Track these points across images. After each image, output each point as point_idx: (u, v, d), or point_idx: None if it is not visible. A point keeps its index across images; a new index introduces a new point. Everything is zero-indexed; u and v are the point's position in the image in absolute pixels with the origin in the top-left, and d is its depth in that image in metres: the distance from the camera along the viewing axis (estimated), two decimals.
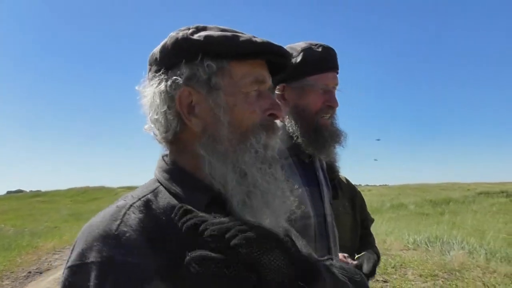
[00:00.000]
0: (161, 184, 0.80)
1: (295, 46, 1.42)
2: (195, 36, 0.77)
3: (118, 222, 0.68)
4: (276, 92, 1.42)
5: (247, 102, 0.79)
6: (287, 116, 1.41)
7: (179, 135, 0.80)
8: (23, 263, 8.81)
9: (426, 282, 5.98)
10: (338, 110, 1.47)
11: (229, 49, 0.77)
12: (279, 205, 0.80)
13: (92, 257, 0.65)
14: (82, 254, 0.66)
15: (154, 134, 0.83)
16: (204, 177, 0.79)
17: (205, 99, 0.78)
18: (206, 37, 0.77)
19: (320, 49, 1.40)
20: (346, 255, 1.79)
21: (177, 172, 0.80)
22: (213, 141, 0.77)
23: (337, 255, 1.46)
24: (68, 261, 0.68)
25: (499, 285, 5.70)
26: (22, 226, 17.75)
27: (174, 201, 0.75)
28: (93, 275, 0.63)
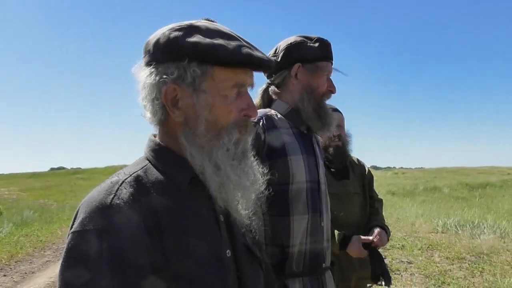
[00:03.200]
0: (150, 162, 0.90)
1: (310, 35, 1.63)
2: (185, 40, 0.85)
3: (112, 196, 0.78)
4: (292, 70, 1.59)
5: (225, 103, 0.88)
6: (297, 93, 1.60)
7: (164, 121, 0.90)
8: (63, 235, 9.34)
9: (452, 264, 5.95)
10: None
11: (213, 58, 0.85)
12: (248, 193, 0.92)
13: (91, 225, 0.75)
14: (83, 223, 0.75)
15: (146, 117, 0.92)
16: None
17: (189, 97, 0.87)
18: (194, 44, 0.84)
19: (327, 42, 1.63)
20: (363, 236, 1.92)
21: (163, 151, 0.91)
22: (192, 134, 0.87)
23: (328, 220, 1.61)
24: (71, 228, 0.78)
25: None
26: (63, 201, 18.71)
27: (161, 177, 0.87)
28: (92, 239, 0.73)
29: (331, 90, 1.61)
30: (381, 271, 1.82)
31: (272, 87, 1.65)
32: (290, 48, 1.59)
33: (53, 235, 9.32)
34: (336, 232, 2.08)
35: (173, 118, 0.88)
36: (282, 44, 1.61)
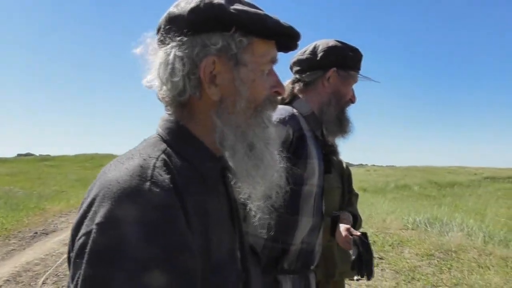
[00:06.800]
0: (167, 145, 0.79)
1: (347, 43, 1.67)
2: (231, 8, 0.78)
3: (148, 182, 0.67)
4: (327, 73, 1.61)
5: (262, 79, 0.83)
6: (326, 96, 1.62)
7: (193, 100, 0.81)
8: (30, 224, 9.06)
9: (422, 261, 6.07)
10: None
11: (260, 28, 0.79)
12: (275, 178, 0.86)
13: (128, 216, 0.62)
14: (114, 213, 0.63)
15: (161, 94, 0.83)
16: (211, 144, 0.82)
17: (229, 71, 0.80)
18: (242, 11, 0.78)
19: (362, 53, 1.68)
20: (348, 226, 1.87)
21: (184, 134, 0.81)
22: (229, 112, 0.80)
23: (322, 224, 1.65)
24: (93, 217, 0.64)
25: (493, 266, 5.77)
26: (30, 189, 18.12)
27: (184, 165, 0.77)
28: (130, 236, 0.61)
29: (352, 99, 1.68)
30: (361, 263, 1.74)
31: (300, 84, 1.65)
32: (330, 51, 1.61)
33: (19, 223, 9.00)
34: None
35: (207, 95, 0.80)
36: (322, 44, 1.63)
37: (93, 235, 0.62)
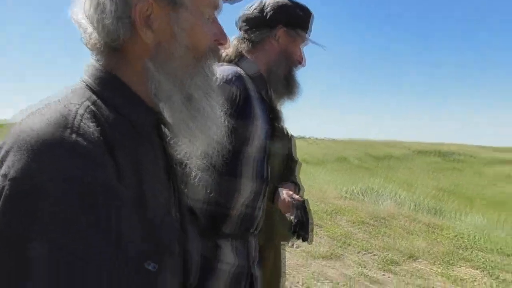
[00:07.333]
0: (94, 93, 0.70)
1: (296, 1, 1.60)
2: None
3: (69, 131, 0.58)
4: (276, 31, 1.57)
5: (204, 25, 0.77)
6: (274, 55, 1.58)
7: (126, 46, 0.73)
8: None
9: (356, 228, 6.40)
10: None
11: None
12: (214, 133, 0.80)
13: (48, 171, 0.54)
14: (31, 167, 0.55)
15: (89, 37, 0.72)
16: (145, 94, 0.74)
17: (166, 15, 0.72)
18: None
19: (311, 12, 1.62)
20: (291, 192, 1.87)
21: (114, 82, 0.73)
22: (165, 59, 0.73)
23: (266, 189, 1.62)
24: (5, 172, 0.55)
25: (420, 233, 6.23)
26: None
27: (114, 115, 0.68)
28: (52, 193, 0.54)
29: (300, 61, 1.63)
30: (301, 226, 1.78)
31: (248, 44, 1.59)
32: (279, 9, 1.55)
33: None
34: None
35: (142, 41, 0.71)
36: (270, 2, 1.57)
37: (5, 192, 0.53)
